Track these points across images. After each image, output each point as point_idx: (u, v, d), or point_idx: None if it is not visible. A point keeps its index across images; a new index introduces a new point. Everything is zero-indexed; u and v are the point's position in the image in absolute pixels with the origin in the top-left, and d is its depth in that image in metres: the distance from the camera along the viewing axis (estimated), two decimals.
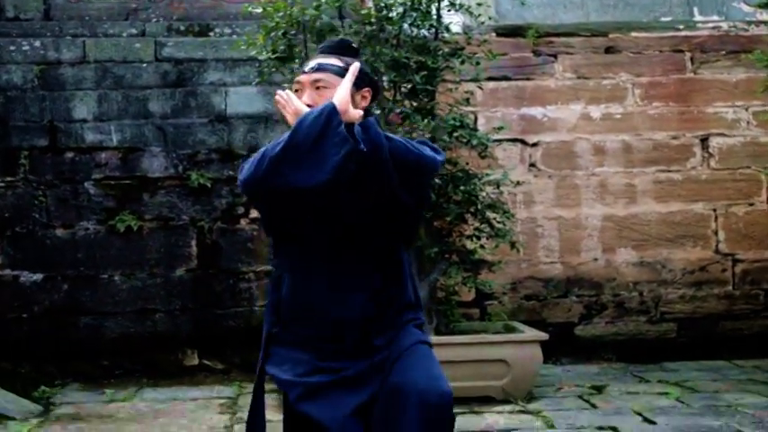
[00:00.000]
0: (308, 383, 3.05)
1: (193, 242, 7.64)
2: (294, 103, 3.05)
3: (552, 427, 5.59)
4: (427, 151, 3.15)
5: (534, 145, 8.14)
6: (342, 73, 3.15)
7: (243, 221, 7.68)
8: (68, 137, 7.66)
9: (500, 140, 7.65)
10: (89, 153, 7.67)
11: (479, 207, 6.64)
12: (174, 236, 7.64)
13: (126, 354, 7.51)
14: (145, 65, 7.84)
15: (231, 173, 7.64)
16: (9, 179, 7.55)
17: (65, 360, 7.39)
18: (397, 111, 6.52)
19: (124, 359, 7.50)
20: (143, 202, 7.64)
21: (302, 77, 3.21)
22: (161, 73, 7.85)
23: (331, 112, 2.90)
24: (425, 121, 6.33)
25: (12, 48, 7.72)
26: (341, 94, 2.99)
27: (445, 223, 6.76)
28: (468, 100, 6.93)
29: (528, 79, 8.25)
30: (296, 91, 3.20)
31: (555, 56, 8.29)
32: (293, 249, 3.20)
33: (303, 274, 3.17)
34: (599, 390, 6.71)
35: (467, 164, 6.87)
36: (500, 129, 7.35)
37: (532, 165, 8.10)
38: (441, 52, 6.75)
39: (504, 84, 8.15)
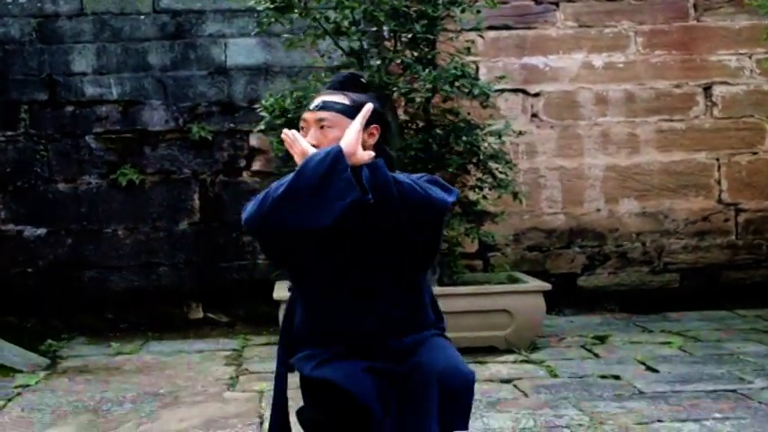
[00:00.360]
0: (323, 356, 3.06)
1: (196, 195, 7.66)
2: (301, 144, 2.98)
3: (555, 375, 5.62)
4: (437, 192, 3.05)
5: (536, 95, 8.13)
6: (348, 111, 3.09)
7: (245, 174, 7.70)
8: (68, 90, 7.64)
9: (502, 90, 7.65)
10: (89, 107, 7.66)
11: (481, 158, 6.66)
12: (177, 189, 7.65)
13: (131, 307, 7.55)
14: (143, 17, 7.78)
15: (232, 125, 7.67)
16: (10, 133, 7.56)
17: (70, 314, 7.43)
18: (398, 61, 6.53)
19: (129, 313, 7.55)
20: (144, 156, 7.65)
21: (307, 115, 3.14)
22: (159, 25, 7.79)
23: (337, 155, 2.84)
24: (426, 71, 6.33)
25: (8, 0, 7.67)
26: (349, 137, 2.92)
27: (447, 174, 6.75)
28: (469, 49, 6.91)
29: (529, 28, 8.20)
30: (301, 128, 3.15)
31: (556, 4, 8.24)
32: (300, 278, 3.21)
33: (313, 300, 3.18)
34: (602, 339, 6.74)
35: (468, 114, 6.89)
36: (502, 78, 7.39)
37: (534, 115, 8.10)
38: (441, 0, 6.73)
39: (505, 33, 8.11)
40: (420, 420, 2.94)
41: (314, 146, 3.01)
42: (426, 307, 3.29)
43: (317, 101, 3.14)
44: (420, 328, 3.21)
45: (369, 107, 3.02)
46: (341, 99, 3.13)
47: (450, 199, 3.10)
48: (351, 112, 3.06)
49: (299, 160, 2.94)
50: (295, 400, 3.14)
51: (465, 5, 6.77)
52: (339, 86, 3.26)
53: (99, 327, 7.43)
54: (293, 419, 3.16)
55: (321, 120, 3.07)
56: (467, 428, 3.00)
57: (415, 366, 3.01)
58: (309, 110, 3.14)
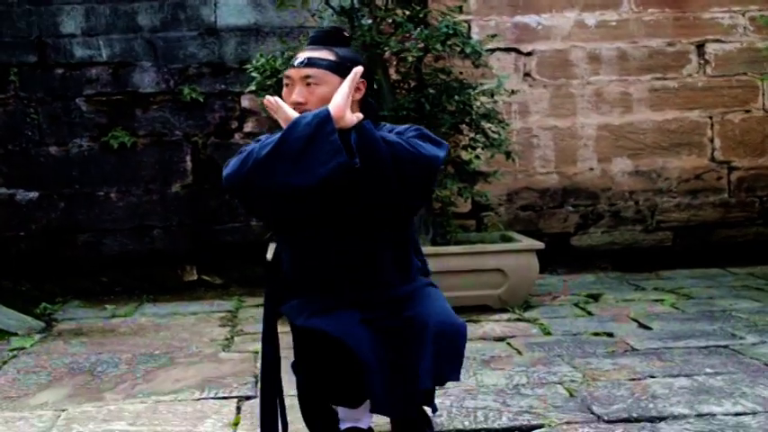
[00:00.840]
0: (314, 306, 3.08)
1: (188, 158, 7.66)
2: (285, 111, 2.94)
3: (549, 333, 5.65)
4: (427, 149, 3.02)
5: (528, 54, 8.12)
6: (334, 67, 3.05)
7: (237, 135, 7.69)
8: (57, 52, 7.62)
9: (494, 49, 7.66)
10: (79, 69, 7.64)
11: (474, 117, 6.66)
12: (169, 152, 7.65)
13: (125, 270, 7.58)
14: None
15: (223, 87, 7.67)
16: (0, 96, 7.57)
17: (64, 277, 7.45)
18: (389, 20, 6.53)
19: (124, 276, 7.56)
20: (136, 118, 7.64)
21: (291, 72, 3.09)
22: None
23: (325, 118, 2.83)
24: (418, 29, 6.33)
25: None
26: (338, 100, 2.88)
27: (440, 133, 6.79)
28: (460, 8, 6.90)
29: None
30: (286, 85, 3.11)
31: None
32: (288, 232, 3.21)
33: (301, 254, 3.19)
34: (595, 298, 6.79)
35: (460, 73, 6.90)
36: (494, 37, 7.37)
37: (527, 74, 8.10)
38: None
39: None
40: (414, 372, 2.96)
41: (300, 103, 3.01)
42: (413, 254, 3.31)
43: (302, 57, 3.09)
44: (410, 278, 3.24)
45: (358, 70, 2.97)
46: (327, 55, 3.08)
47: (441, 154, 3.06)
48: (337, 67, 3.04)
49: (284, 125, 2.92)
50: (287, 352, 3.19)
51: None
52: (322, 41, 3.18)
53: (93, 290, 7.45)
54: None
55: (307, 77, 3.04)
56: (458, 379, 3.07)
57: (409, 320, 3.05)
58: (294, 66, 3.09)
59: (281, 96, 3.10)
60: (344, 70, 3.00)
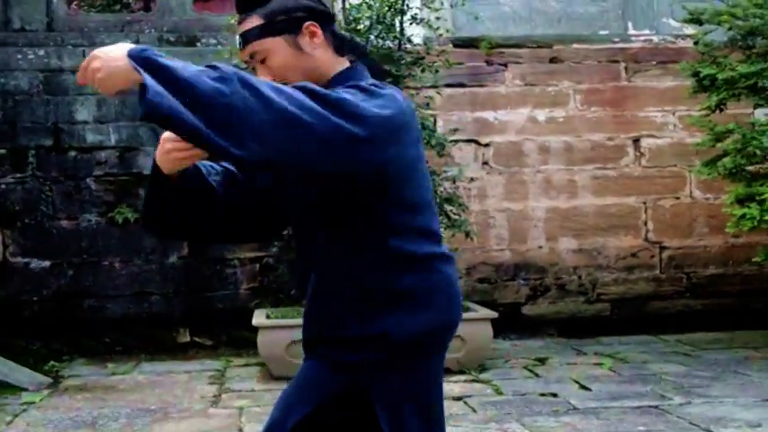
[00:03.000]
0: None
1: None
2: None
3: (501, 393, 5.67)
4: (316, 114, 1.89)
5: (486, 145, 8.19)
6: (265, 32, 2.22)
7: None
8: (71, 137, 7.65)
9: (456, 141, 7.72)
10: (90, 152, 7.66)
11: (438, 200, 6.69)
12: None
13: (126, 332, 7.51)
14: None
15: None
16: (19, 175, 7.55)
17: (71, 338, 7.39)
18: None
19: (124, 336, 7.50)
20: (139, 196, 7.49)
21: (243, 57, 2.32)
22: None
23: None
24: None
25: (18, 56, 7.69)
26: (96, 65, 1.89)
27: None
28: (428, 104, 7.03)
29: (481, 86, 8.27)
30: (253, 69, 2.29)
31: (505, 65, 8.31)
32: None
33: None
34: (542, 361, 6.80)
35: (427, 161, 6.98)
36: (456, 130, 7.54)
37: (485, 162, 8.15)
38: (404, 61, 6.83)
39: (460, 90, 8.17)
40: None
41: (273, 79, 2.17)
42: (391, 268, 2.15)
43: (238, 37, 2.33)
44: (375, 312, 2.13)
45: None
46: (255, 21, 2.25)
47: (353, 129, 1.91)
48: (269, 29, 2.24)
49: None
50: None
51: (425, 66, 6.93)
52: (246, 7, 2.29)
53: (97, 349, 7.39)
54: None
55: (253, 55, 2.27)
56: None
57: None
58: (240, 49, 2.33)
59: None
60: (279, 25, 2.22)
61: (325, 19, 2.27)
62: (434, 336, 2.16)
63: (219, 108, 1.82)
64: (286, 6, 2.23)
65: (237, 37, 2.31)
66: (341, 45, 2.29)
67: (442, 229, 6.44)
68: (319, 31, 2.22)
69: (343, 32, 2.36)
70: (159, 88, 1.79)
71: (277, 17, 2.22)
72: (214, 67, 1.89)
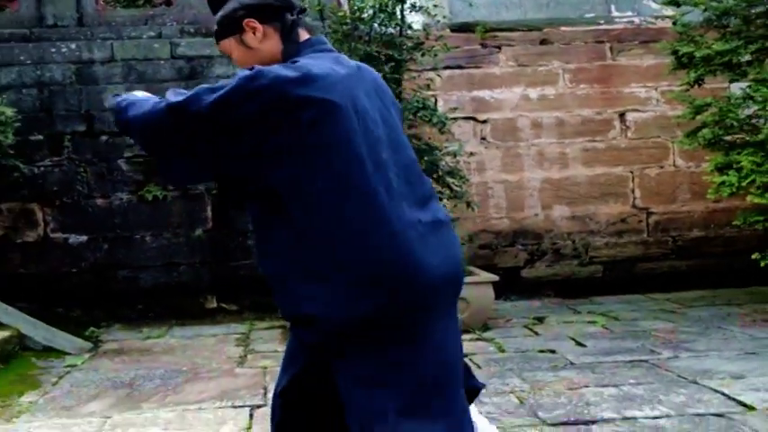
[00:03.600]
0: None
1: (208, 207, 7.62)
2: None
3: (502, 350, 5.67)
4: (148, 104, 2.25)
5: (484, 122, 8.18)
6: (220, 35, 2.31)
7: None
8: (102, 123, 7.61)
9: (456, 118, 7.67)
10: (120, 136, 7.51)
11: (440, 174, 6.70)
12: (192, 203, 7.64)
13: (157, 300, 7.54)
14: (162, 62, 7.79)
15: None
16: (56, 159, 7.54)
17: (108, 306, 7.42)
18: None
19: (156, 304, 7.52)
20: None
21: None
22: (176, 68, 7.80)
23: None
24: None
25: (52, 50, 7.67)
26: None
27: None
28: (428, 86, 7.01)
29: (477, 67, 8.26)
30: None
31: (499, 47, 8.30)
32: None
33: None
34: (540, 320, 6.81)
35: (429, 138, 6.95)
36: (455, 109, 7.52)
37: (483, 138, 8.15)
38: (405, 47, 6.80)
39: (457, 72, 8.16)
40: None
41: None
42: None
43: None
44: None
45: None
46: (214, 26, 2.34)
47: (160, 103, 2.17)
48: (222, 32, 2.31)
49: None
50: None
51: (425, 50, 6.88)
52: (212, 11, 2.36)
53: (131, 316, 7.41)
54: None
55: (223, 54, 2.43)
56: None
57: None
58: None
59: None
60: (226, 29, 2.29)
61: (265, 11, 2.25)
62: (360, 325, 2.00)
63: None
64: (229, 9, 2.27)
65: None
66: (287, 28, 2.26)
67: (445, 200, 6.51)
68: (259, 26, 2.23)
69: (288, 15, 2.28)
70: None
71: (224, 21, 2.28)
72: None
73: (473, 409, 2.30)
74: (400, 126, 2.29)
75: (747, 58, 6.59)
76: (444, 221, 2.20)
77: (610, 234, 8.25)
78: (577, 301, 7.70)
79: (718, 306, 7.06)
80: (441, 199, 6.78)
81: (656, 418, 3.97)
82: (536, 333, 6.29)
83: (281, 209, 2.04)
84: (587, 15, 8.54)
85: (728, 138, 6.53)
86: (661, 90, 8.27)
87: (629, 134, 8.32)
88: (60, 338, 6.33)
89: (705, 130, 6.56)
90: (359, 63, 2.31)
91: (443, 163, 6.81)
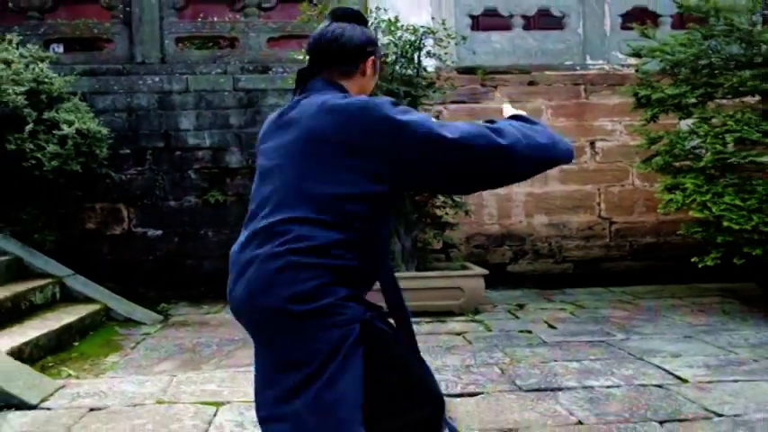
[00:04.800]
0: None
1: None
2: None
3: (490, 330, 5.70)
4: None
5: None
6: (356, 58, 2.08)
7: None
8: (177, 140, 7.70)
9: None
10: (191, 151, 7.71)
11: None
12: (246, 205, 7.63)
13: (216, 282, 7.30)
14: (226, 93, 7.84)
15: None
16: (139, 168, 7.62)
17: (176, 287, 7.49)
18: None
19: (215, 286, 7.43)
20: (226, 184, 7.70)
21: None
22: (237, 98, 7.84)
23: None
24: None
25: (140, 82, 7.75)
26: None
27: (423, 197, 6.84)
28: (438, 117, 7.04)
29: (477, 103, 8.23)
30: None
31: (495, 87, 8.28)
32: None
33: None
34: (521, 307, 6.82)
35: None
36: None
37: None
38: (420, 85, 6.80)
39: (462, 105, 8.13)
40: None
41: None
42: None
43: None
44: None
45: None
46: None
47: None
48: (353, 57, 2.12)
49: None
50: None
51: (436, 89, 6.92)
52: (355, 18, 2.14)
53: (195, 295, 7.46)
54: None
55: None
56: None
57: None
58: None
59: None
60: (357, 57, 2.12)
61: (376, 56, 2.15)
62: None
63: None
64: (358, 39, 2.11)
65: None
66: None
67: (448, 209, 6.44)
68: (373, 65, 2.14)
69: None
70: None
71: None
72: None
73: None
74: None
75: (693, 100, 6.57)
76: (261, 257, 1.90)
77: (579, 238, 8.22)
78: (552, 292, 7.70)
79: (664, 298, 7.05)
80: (445, 207, 6.81)
81: (609, 387, 4.01)
82: (517, 317, 6.30)
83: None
84: (566, 63, 8.51)
85: (676, 164, 6.51)
86: (624, 124, 8.22)
87: (598, 159, 8.29)
88: (138, 312, 6.41)
89: (658, 158, 6.55)
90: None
91: None
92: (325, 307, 1.82)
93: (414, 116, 1.87)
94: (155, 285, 7.45)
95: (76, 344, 5.34)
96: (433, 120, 1.92)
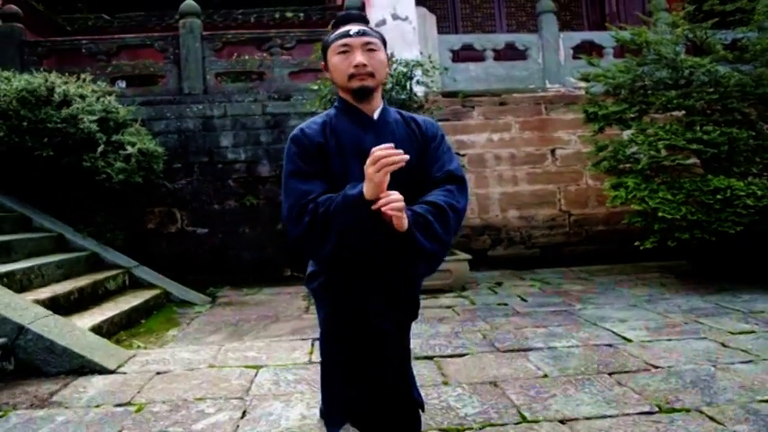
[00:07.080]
0: None
1: None
2: (383, 184, 1.84)
3: (474, 303, 5.69)
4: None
5: (463, 155, 8.17)
6: (381, 38, 2.04)
7: None
8: (218, 156, 7.71)
9: None
10: (229, 164, 7.71)
11: None
12: (276, 207, 7.64)
13: (253, 270, 7.57)
14: (257, 117, 7.84)
15: None
16: (188, 179, 7.62)
17: (221, 274, 7.48)
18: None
19: (252, 273, 7.55)
20: (259, 190, 7.69)
21: (350, 41, 1.98)
22: (265, 121, 7.84)
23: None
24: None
25: (187, 110, 7.77)
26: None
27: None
28: None
29: (459, 120, 8.25)
30: (340, 53, 2.00)
31: (473, 107, 8.29)
32: None
33: None
34: (499, 284, 6.80)
35: None
36: None
37: (463, 166, 8.03)
38: (412, 108, 6.76)
39: (446, 123, 8.11)
40: None
41: (365, 65, 1.97)
42: None
43: (354, 29, 2.00)
44: None
45: (405, 158, 1.82)
46: (370, 29, 2.04)
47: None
48: (382, 39, 2.07)
49: (369, 191, 1.84)
50: None
51: (425, 110, 6.91)
52: (357, 19, 2.06)
53: (236, 281, 7.46)
54: None
55: (368, 43, 1.99)
56: None
57: None
58: (351, 36, 1.99)
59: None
60: (384, 43, 2.08)
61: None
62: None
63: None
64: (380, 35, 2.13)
65: (356, 28, 2.00)
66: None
67: None
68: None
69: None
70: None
71: (382, 37, 2.10)
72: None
73: None
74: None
75: (632, 115, 6.59)
76: None
77: (545, 228, 8.23)
78: (523, 272, 7.70)
79: (614, 275, 7.05)
80: None
81: (570, 347, 4.03)
82: (495, 292, 6.30)
83: None
84: (530, 86, 8.53)
85: (620, 167, 6.52)
86: (578, 135, 8.24)
87: (558, 163, 8.30)
88: (191, 295, 6.42)
89: (605, 162, 6.57)
90: None
91: None
92: None
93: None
94: (204, 273, 7.44)
95: (143, 321, 5.38)
96: None
